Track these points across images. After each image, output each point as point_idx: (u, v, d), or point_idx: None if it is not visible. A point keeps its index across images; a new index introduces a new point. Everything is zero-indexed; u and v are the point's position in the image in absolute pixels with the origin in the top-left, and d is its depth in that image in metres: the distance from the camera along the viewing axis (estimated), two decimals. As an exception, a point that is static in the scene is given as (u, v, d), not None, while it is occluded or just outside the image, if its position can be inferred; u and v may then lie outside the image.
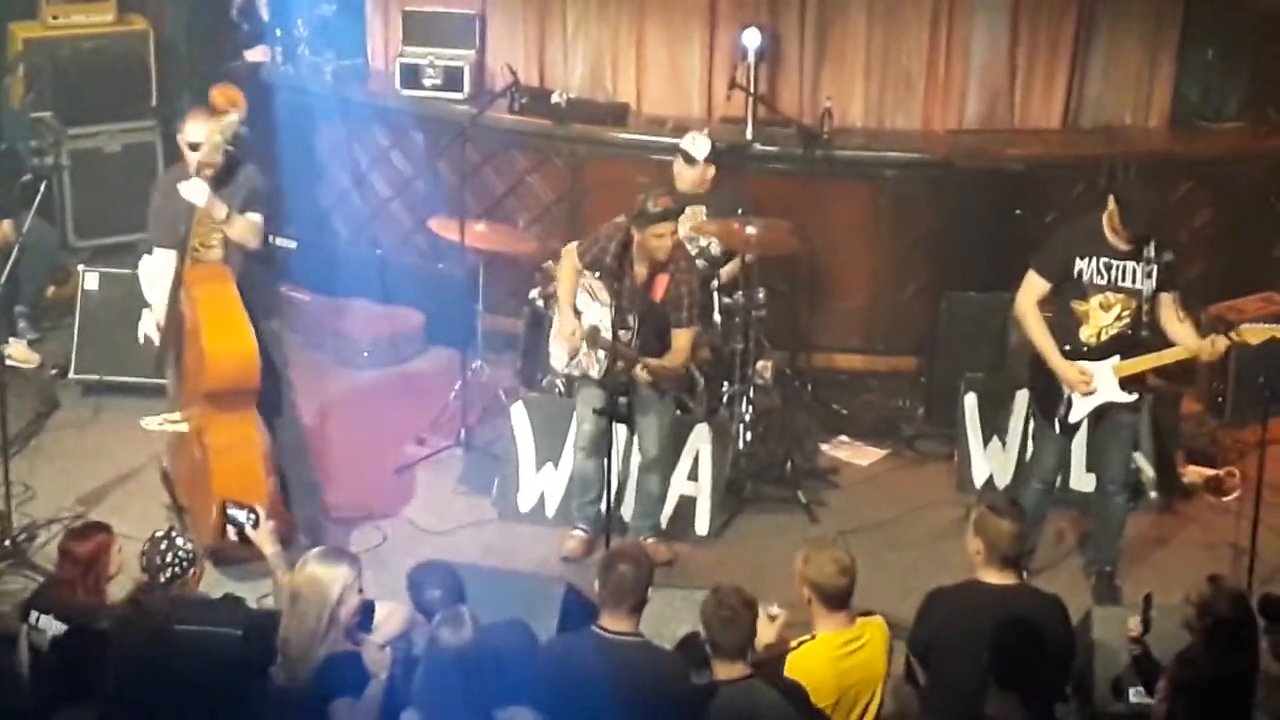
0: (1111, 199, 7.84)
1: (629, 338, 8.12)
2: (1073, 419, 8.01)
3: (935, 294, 10.04)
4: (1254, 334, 7.92)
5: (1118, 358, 7.89)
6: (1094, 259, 7.83)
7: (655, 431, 8.38)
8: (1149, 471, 9.06)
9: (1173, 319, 7.94)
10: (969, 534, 6.64)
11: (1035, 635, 6.01)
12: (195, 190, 8.01)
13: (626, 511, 8.66)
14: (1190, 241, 10.29)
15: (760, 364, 9.38)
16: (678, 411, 8.66)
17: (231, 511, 7.02)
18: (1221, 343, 7.89)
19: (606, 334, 8.07)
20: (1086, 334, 7.91)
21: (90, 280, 9.87)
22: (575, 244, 8.46)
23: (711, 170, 9.32)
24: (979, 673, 6.10)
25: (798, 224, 9.53)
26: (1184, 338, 7.93)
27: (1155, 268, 7.81)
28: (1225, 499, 9.13)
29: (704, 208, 9.27)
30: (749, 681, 5.95)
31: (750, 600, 6.06)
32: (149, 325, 8.38)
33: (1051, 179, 10.18)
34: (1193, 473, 9.30)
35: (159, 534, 6.68)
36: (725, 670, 5.96)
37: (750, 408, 9.16)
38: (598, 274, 8.20)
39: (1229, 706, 5.94)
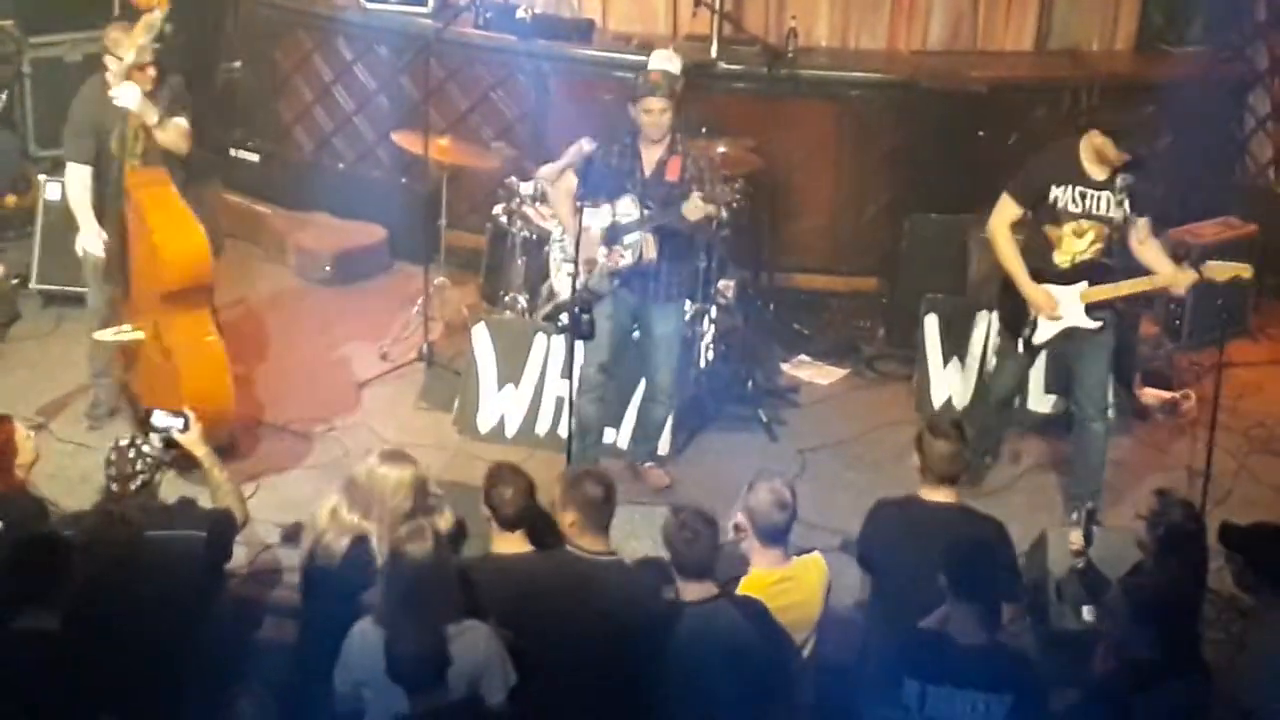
0: (1097, 131, 7.83)
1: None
2: (1037, 340, 8.07)
3: (897, 215, 10.07)
4: (1220, 271, 7.97)
5: (1085, 284, 7.94)
6: (1070, 187, 7.86)
7: (667, 359, 8.34)
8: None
9: (1146, 244, 7.99)
10: (911, 452, 6.75)
11: (991, 556, 6.08)
12: (128, 94, 7.96)
13: (612, 437, 8.72)
14: (1151, 165, 10.31)
15: (722, 283, 9.40)
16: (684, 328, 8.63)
17: (158, 419, 7.00)
18: (1189, 277, 7.94)
19: (627, 217, 8.00)
20: (1059, 258, 7.94)
21: (52, 190, 9.81)
22: (546, 168, 8.37)
23: (668, 116, 9.28)
24: (914, 586, 6.21)
25: (761, 143, 9.54)
26: (1157, 263, 7.99)
27: (1127, 195, 7.86)
28: (1181, 421, 9.21)
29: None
30: (716, 602, 5.99)
31: (711, 519, 6.09)
32: (88, 240, 8.25)
33: (1015, 101, 10.21)
34: (1149, 395, 9.38)
35: (123, 442, 6.69)
36: (692, 590, 6.00)
37: (712, 327, 9.18)
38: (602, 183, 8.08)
39: (1179, 617, 6.02)
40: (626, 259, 8.05)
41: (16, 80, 10.82)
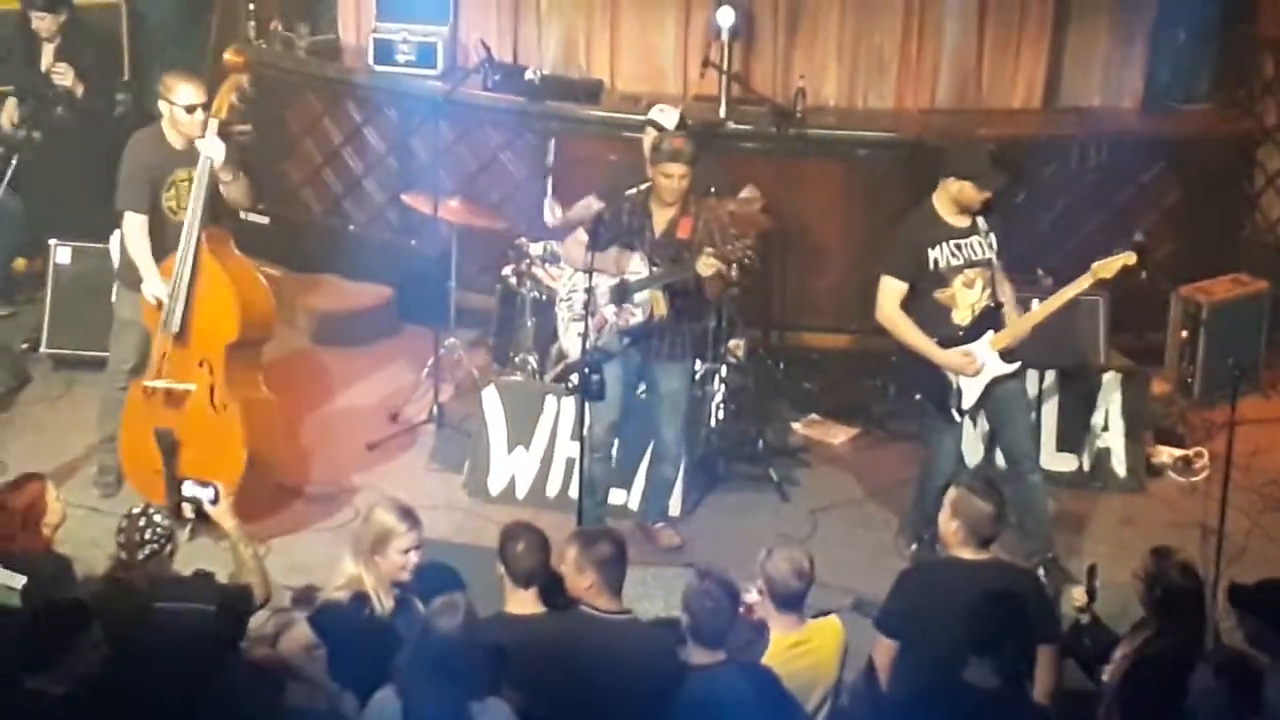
0: (951, 179, 7.90)
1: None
2: (966, 405, 8.04)
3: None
4: (1107, 268, 7.96)
5: (991, 332, 7.97)
6: (942, 244, 7.90)
7: (672, 418, 8.33)
8: (1119, 452, 9.14)
9: (1003, 283, 8.05)
10: (944, 515, 6.70)
11: (1015, 604, 6.07)
12: (216, 148, 8.11)
13: (623, 498, 8.72)
14: (1160, 222, 10.36)
15: (733, 342, 9.40)
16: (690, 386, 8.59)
17: (189, 489, 7.02)
18: (1083, 281, 7.93)
19: (636, 275, 8.01)
20: (959, 317, 7.97)
21: (62, 254, 9.84)
22: (570, 241, 8.36)
23: (686, 183, 9.30)
24: (956, 647, 6.13)
25: (771, 203, 9.55)
26: (1010, 302, 8.07)
27: (992, 235, 7.93)
28: (1194, 479, 9.18)
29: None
30: (723, 668, 5.95)
31: (734, 589, 6.10)
32: (154, 287, 8.24)
33: (1023, 159, 10.20)
34: (1162, 453, 9.36)
35: (135, 510, 6.68)
36: (701, 656, 5.96)
37: (722, 386, 9.17)
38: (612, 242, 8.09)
39: (1182, 676, 5.98)
40: (638, 317, 8.06)
41: (26, 145, 10.81)
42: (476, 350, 9.91)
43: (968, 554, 6.65)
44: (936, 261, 7.90)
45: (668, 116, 9.24)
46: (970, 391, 8.01)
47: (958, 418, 8.08)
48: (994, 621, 5.91)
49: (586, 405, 7.70)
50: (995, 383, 8.02)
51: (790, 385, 10.00)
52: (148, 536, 6.54)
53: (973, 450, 8.97)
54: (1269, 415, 9.73)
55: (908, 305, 7.97)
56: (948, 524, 6.67)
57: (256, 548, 7.00)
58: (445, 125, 10.09)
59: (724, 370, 9.20)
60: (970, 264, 7.92)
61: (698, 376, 9.13)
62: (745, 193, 9.43)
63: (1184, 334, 9.93)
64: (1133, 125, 10.73)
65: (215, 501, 6.95)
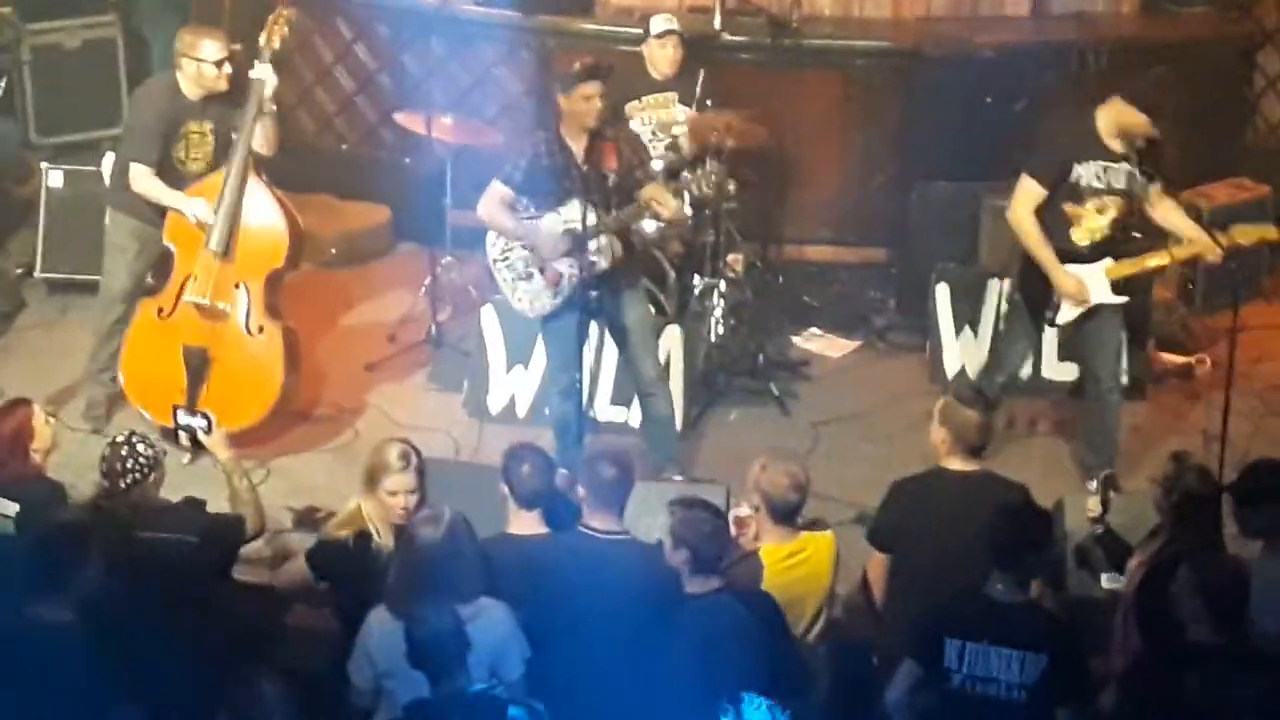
0: (1120, 101, 7.73)
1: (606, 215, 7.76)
2: (1061, 320, 8.00)
3: (905, 184, 9.99)
4: (1247, 234, 7.90)
5: (1109, 260, 7.87)
6: (1091, 163, 7.76)
7: (644, 350, 8.09)
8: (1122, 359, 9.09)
9: (1166, 209, 7.93)
10: (934, 423, 6.70)
11: (1033, 516, 6.07)
12: (268, 73, 8.23)
13: (624, 415, 8.69)
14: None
15: (731, 257, 9.33)
16: (652, 310, 8.47)
17: (182, 418, 7.02)
18: (1213, 244, 7.86)
19: (574, 224, 7.64)
20: (1078, 236, 7.86)
21: (54, 177, 9.80)
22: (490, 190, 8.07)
23: (680, 52, 9.23)
24: (947, 558, 6.22)
25: (767, 115, 9.46)
26: (1183, 227, 7.93)
27: (1141, 168, 7.79)
28: (1196, 385, 9.15)
29: (675, 94, 9.21)
30: (717, 596, 5.92)
31: (719, 512, 6.09)
32: (197, 208, 8.23)
33: (1022, 66, 10.10)
34: (1163, 360, 9.33)
35: (119, 438, 6.69)
36: (696, 584, 5.92)
37: (721, 301, 9.12)
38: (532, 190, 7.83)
39: (1198, 581, 5.96)
40: (601, 264, 7.76)
41: (15, 68, 10.73)
42: (473, 268, 9.84)
43: (956, 464, 6.63)
44: (1080, 178, 7.76)
45: (665, 21, 9.18)
46: (1069, 310, 7.94)
47: (1043, 328, 8.04)
48: (1019, 536, 5.90)
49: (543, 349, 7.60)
50: (1099, 307, 7.95)
51: (789, 299, 9.94)
52: (129, 465, 6.55)
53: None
54: (1271, 322, 9.68)
55: (1038, 210, 7.85)
56: (936, 433, 6.67)
57: (250, 478, 6.98)
58: (437, 41, 9.98)
59: (722, 285, 9.13)
60: (1110, 190, 7.79)
61: (696, 292, 9.10)
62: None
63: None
64: (1131, 29, 10.63)
65: (209, 431, 6.94)
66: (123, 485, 6.55)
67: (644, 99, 9.22)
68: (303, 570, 6.58)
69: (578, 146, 7.73)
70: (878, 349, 9.68)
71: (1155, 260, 7.96)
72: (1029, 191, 7.85)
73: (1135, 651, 6.16)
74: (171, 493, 6.87)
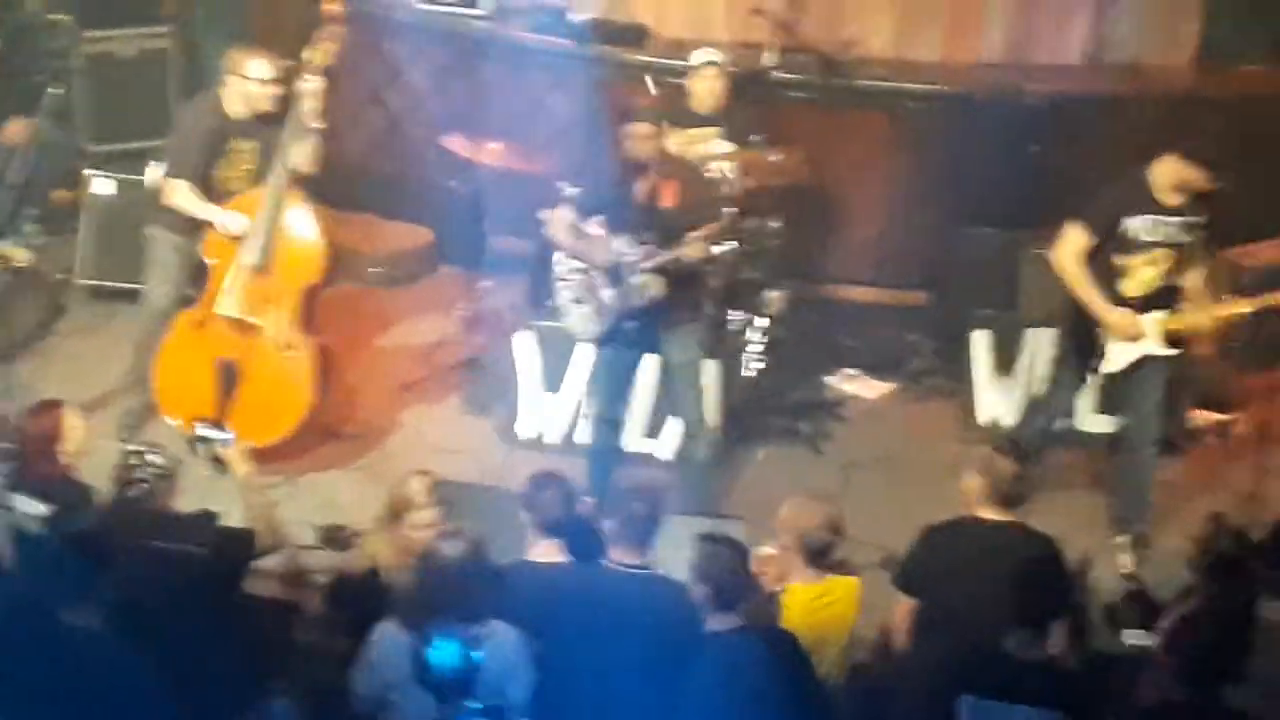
0: (1176, 158, 7.70)
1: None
2: (1107, 369, 7.96)
3: (948, 228, 9.96)
4: (1249, 304, 7.87)
5: (1161, 311, 7.84)
6: (1142, 217, 7.74)
7: (688, 391, 8.08)
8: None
9: (1195, 273, 7.88)
10: (971, 471, 6.67)
11: (1055, 573, 6.02)
12: (313, 90, 8.27)
13: (653, 447, 8.70)
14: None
15: (770, 294, 9.31)
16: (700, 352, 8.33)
17: (202, 430, 7.04)
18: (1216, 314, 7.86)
19: (625, 257, 7.71)
20: (1128, 288, 7.84)
21: (98, 185, 9.85)
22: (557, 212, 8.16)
23: (721, 84, 9.22)
24: (974, 606, 6.19)
25: (814, 153, 9.45)
26: (1197, 296, 7.89)
27: (1198, 221, 7.75)
28: (1232, 444, 9.08)
29: (718, 129, 9.20)
30: (740, 633, 5.90)
31: (743, 550, 6.07)
32: (234, 221, 8.30)
33: (1072, 115, 10.06)
34: (1201, 417, 9.25)
35: (131, 449, 6.72)
36: (717, 621, 5.90)
37: (758, 338, 9.09)
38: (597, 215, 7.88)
39: (1231, 643, 5.91)
40: (635, 301, 7.78)
41: (70, 75, 10.80)
42: (512, 293, 9.85)
43: (989, 513, 6.60)
44: (1129, 230, 7.76)
45: (706, 53, 9.18)
46: (1120, 358, 7.90)
47: (1090, 376, 8.02)
48: (1041, 594, 5.87)
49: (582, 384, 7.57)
50: (1145, 359, 7.91)
51: (826, 338, 9.91)
52: (140, 475, 6.55)
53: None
54: (1310, 382, 9.62)
55: (1084, 258, 7.86)
56: (971, 481, 6.64)
57: (267, 494, 6.98)
58: (489, 66, 10.00)
59: (760, 321, 9.11)
60: (1162, 244, 7.78)
61: (734, 327, 9.08)
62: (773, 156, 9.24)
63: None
64: (1184, 82, 10.57)
65: (228, 445, 6.96)
66: (132, 493, 6.56)
67: (687, 132, 9.22)
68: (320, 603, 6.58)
69: (638, 180, 7.75)
70: (913, 392, 9.65)
71: (1212, 315, 7.91)
72: (1075, 239, 7.85)
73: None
74: (196, 504, 6.88)
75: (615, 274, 7.75)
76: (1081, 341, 8.01)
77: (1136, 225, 7.75)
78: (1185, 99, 10.30)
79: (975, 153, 9.93)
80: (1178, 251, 7.79)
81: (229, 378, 8.33)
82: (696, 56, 9.29)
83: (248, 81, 8.32)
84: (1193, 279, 7.89)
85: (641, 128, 7.65)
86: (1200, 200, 7.77)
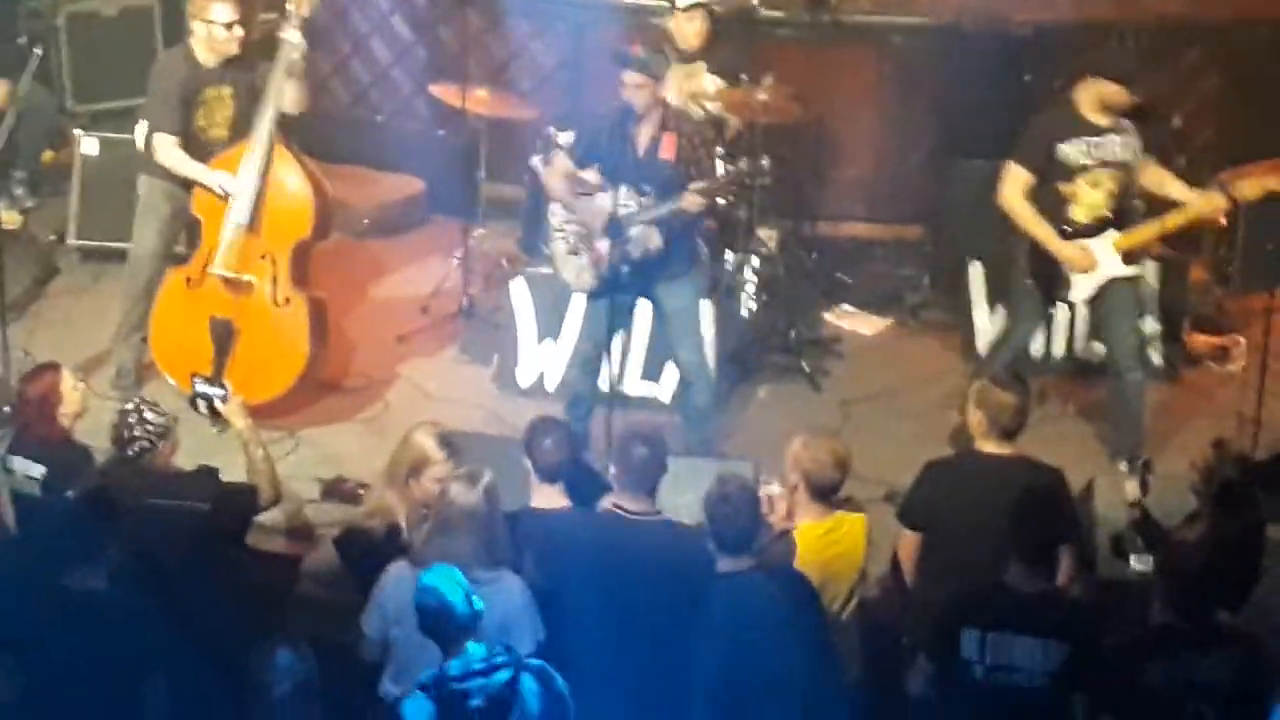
0: (1099, 80, 7.80)
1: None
2: (1075, 297, 7.99)
3: (941, 161, 9.94)
4: (1250, 188, 7.87)
5: (1114, 231, 7.85)
6: (1075, 140, 7.81)
7: (684, 338, 8.03)
8: (1156, 340, 9.04)
9: (1163, 179, 7.96)
10: (970, 405, 6.66)
11: (1053, 506, 6.02)
12: (296, 36, 8.23)
13: (654, 390, 8.68)
14: (1199, 108, 10.19)
15: (764, 233, 9.29)
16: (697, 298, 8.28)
17: (200, 387, 7.05)
18: (1218, 199, 7.88)
19: (625, 208, 7.63)
20: (1078, 213, 7.89)
21: (88, 145, 9.82)
22: (550, 159, 8.21)
23: (706, 24, 9.17)
24: (978, 540, 6.19)
25: (803, 90, 9.41)
26: (1181, 194, 7.93)
27: (1135, 137, 7.82)
28: (1231, 367, 9.09)
29: (703, 64, 9.15)
30: (749, 575, 5.89)
31: (754, 494, 6.05)
32: (221, 179, 8.24)
33: (1060, 44, 10.03)
34: (1199, 341, 9.27)
35: (129, 406, 6.70)
36: (727, 563, 5.90)
37: (754, 277, 9.08)
38: (595, 165, 7.83)
39: (1234, 569, 5.93)
40: (633, 253, 7.73)
41: (52, 35, 10.73)
42: (505, 241, 9.82)
43: (991, 446, 6.60)
44: (1066, 156, 7.82)
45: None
46: (1084, 286, 7.94)
47: (1063, 307, 8.00)
48: (1037, 527, 5.86)
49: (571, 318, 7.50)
50: (1111, 281, 7.95)
51: (822, 276, 9.90)
52: (137, 433, 6.55)
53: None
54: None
55: (1030, 192, 7.92)
56: (972, 414, 6.64)
57: (268, 448, 6.97)
58: (473, 13, 9.95)
59: (755, 261, 9.10)
60: (1103, 164, 7.82)
61: (730, 267, 9.06)
62: (765, 83, 9.20)
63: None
64: (1173, 8, 10.52)
65: (225, 400, 6.95)
66: (132, 452, 6.56)
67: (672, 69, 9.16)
68: (330, 558, 6.57)
69: (637, 133, 7.71)
70: (910, 327, 9.64)
71: (1162, 226, 7.94)
72: (1015, 176, 7.95)
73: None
74: (199, 460, 6.88)
75: (615, 227, 7.67)
76: (1046, 275, 8.04)
77: (1068, 150, 7.83)
78: (1172, 25, 10.26)
79: (965, 84, 9.91)
80: (1120, 171, 7.83)
81: (225, 335, 8.30)
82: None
83: (210, 25, 8.26)
84: (1168, 185, 7.94)
85: (633, 76, 7.59)
86: (1136, 115, 7.86)
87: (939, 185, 9.88)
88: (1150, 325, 9.05)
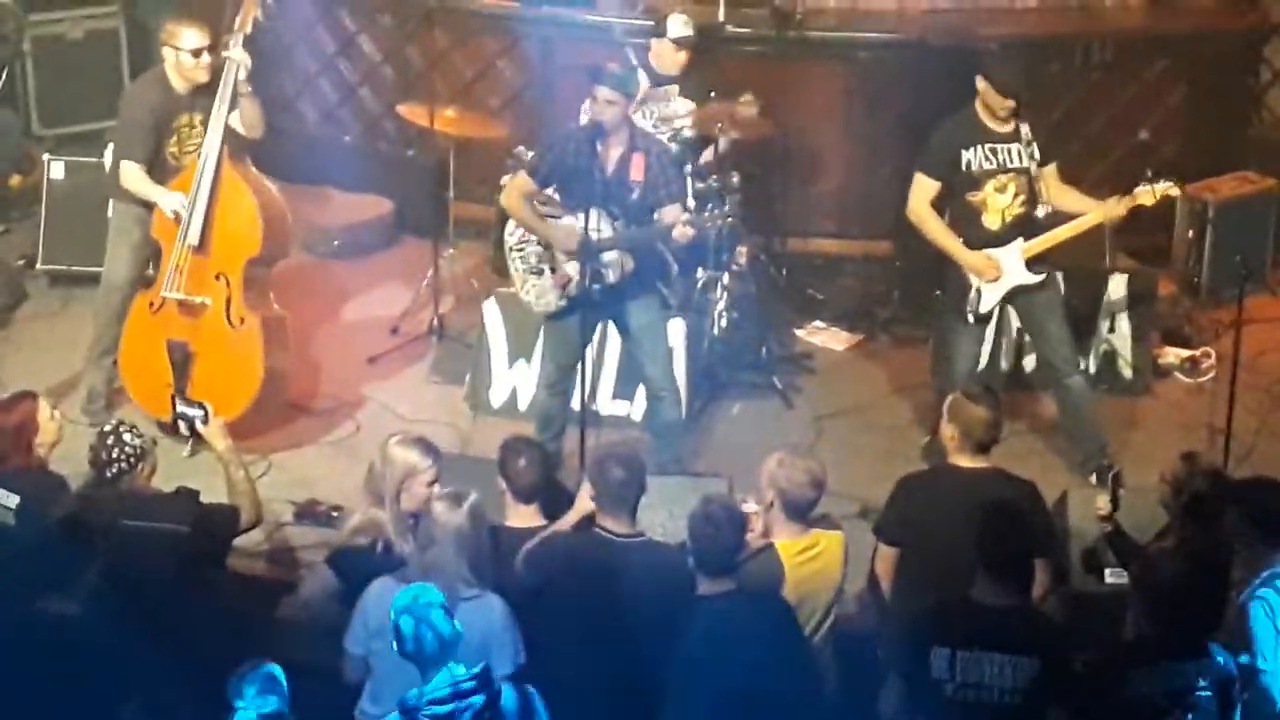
0: (979, 80, 7.88)
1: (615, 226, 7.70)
2: (984, 309, 8.02)
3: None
4: (1149, 195, 7.93)
5: (1021, 239, 7.92)
6: (978, 146, 7.87)
7: (653, 353, 7.95)
8: (1126, 354, 9.07)
9: (1060, 190, 8.00)
10: (943, 420, 6.66)
11: (1019, 519, 6.00)
12: (242, 56, 8.17)
13: (625, 409, 8.66)
14: (1165, 120, 10.24)
15: (735, 249, 9.29)
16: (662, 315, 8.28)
17: (180, 408, 7.03)
18: (1117, 207, 7.91)
19: (597, 233, 7.52)
20: (989, 220, 7.94)
21: (56, 169, 9.78)
22: (512, 177, 8.15)
23: (688, 52, 9.19)
24: (953, 555, 6.11)
25: (773, 106, 9.43)
26: (1080, 205, 8.00)
27: (1034, 145, 7.87)
28: (1201, 380, 9.12)
29: (676, 88, 9.16)
30: (729, 598, 5.88)
31: (739, 516, 6.03)
32: (173, 201, 8.20)
33: (1026, 58, 10.05)
34: (1168, 354, 9.30)
35: (107, 428, 6.66)
36: (709, 585, 5.90)
37: (725, 294, 9.08)
38: (556, 186, 7.80)
39: (1207, 583, 5.93)
40: (608, 278, 7.67)
41: (18, 58, 10.71)
42: (476, 261, 9.82)
43: (965, 461, 6.60)
44: (970, 163, 7.87)
45: (684, 27, 9.10)
46: (989, 296, 7.96)
47: (971, 321, 8.01)
48: (1003, 540, 5.84)
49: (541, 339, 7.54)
50: (1021, 291, 7.99)
51: (793, 291, 9.91)
52: (115, 455, 6.51)
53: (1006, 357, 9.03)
54: (1276, 314, 9.66)
55: (940, 205, 7.97)
56: (945, 429, 6.65)
57: (248, 469, 6.95)
58: (440, 32, 9.94)
59: (726, 277, 9.09)
60: (1004, 169, 7.86)
61: (700, 284, 9.06)
62: (743, 99, 9.28)
63: (1190, 233, 9.84)
64: (1136, 21, 10.59)
65: (206, 421, 6.93)
66: (110, 475, 6.52)
67: (645, 91, 9.17)
68: (327, 580, 6.53)
69: (606, 152, 7.65)
70: (881, 342, 9.65)
71: (1065, 232, 7.97)
72: (921, 186, 8.00)
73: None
74: (174, 483, 6.85)
75: (587, 251, 7.58)
76: (954, 287, 8.07)
77: (971, 157, 7.88)
78: (1136, 37, 10.32)
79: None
80: (1025, 177, 7.88)
81: (182, 358, 8.26)
82: (674, 28, 9.14)
83: (178, 52, 8.25)
84: (1065, 198, 7.99)
85: (605, 92, 7.56)
86: (1028, 123, 7.89)
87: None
88: (1121, 339, 9.09)
